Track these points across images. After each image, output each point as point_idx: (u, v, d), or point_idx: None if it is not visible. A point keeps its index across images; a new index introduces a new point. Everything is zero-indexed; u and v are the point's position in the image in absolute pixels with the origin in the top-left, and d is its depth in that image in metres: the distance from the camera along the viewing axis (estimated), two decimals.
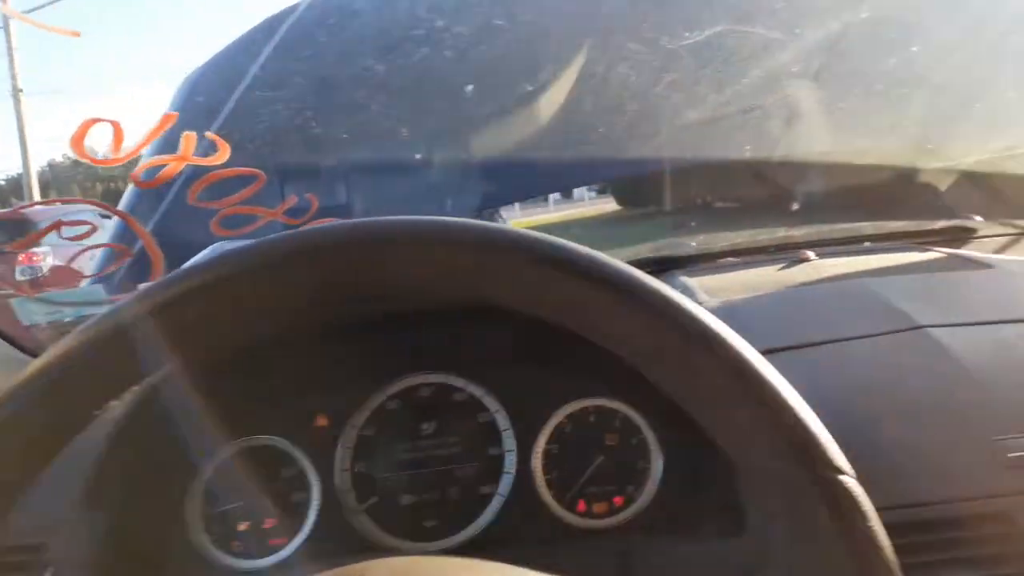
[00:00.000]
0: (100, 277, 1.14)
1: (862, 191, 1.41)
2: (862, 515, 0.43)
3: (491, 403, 0.79)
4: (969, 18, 1.40)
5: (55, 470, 0.48)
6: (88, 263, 1.18)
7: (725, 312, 0.87)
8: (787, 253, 1.09)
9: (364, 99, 1.37)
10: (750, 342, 0.77)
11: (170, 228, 1.16)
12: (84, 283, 1.11)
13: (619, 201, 1.89)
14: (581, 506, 0.77)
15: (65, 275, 1.13)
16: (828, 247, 1.11)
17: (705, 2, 1.42)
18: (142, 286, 0.51)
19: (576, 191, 2.36)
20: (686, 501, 0.75)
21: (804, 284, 0.96)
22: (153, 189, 1.14)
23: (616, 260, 0.48)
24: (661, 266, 1.11)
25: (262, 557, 0.75)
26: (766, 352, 0.75)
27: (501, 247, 0.48)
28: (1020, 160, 1.27)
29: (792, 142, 1.36)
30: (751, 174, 1.50)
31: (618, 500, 0.77)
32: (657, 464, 0.77)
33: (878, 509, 0.60)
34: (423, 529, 0.76)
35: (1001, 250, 1.13)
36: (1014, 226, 1.19)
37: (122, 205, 1.32)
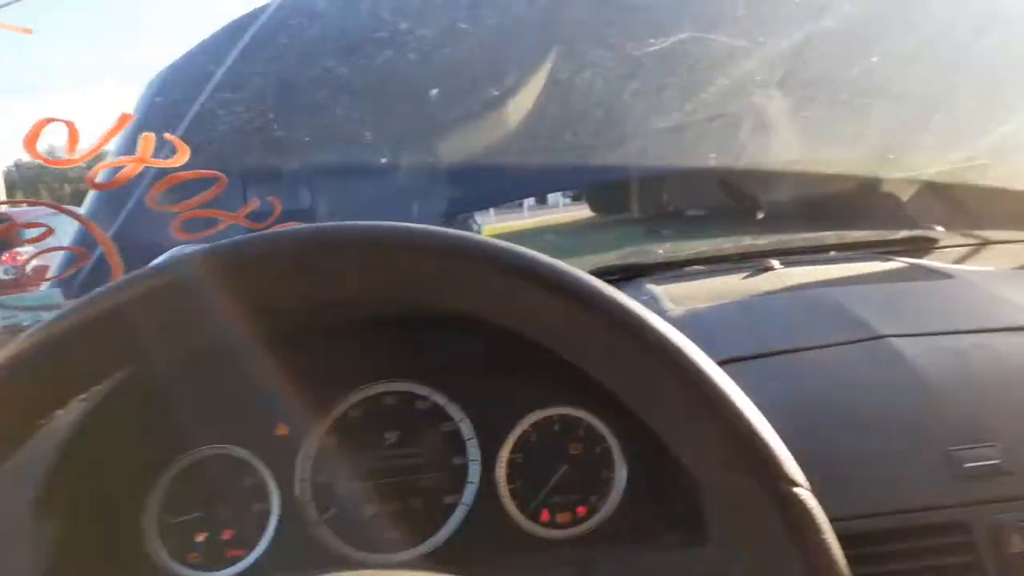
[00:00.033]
0: (60, 280, 1.12)
1: (826, 201, 1.43)
2: (816, 528, 0.44)
3: (455, 412, 0.79)
4: (929, 31, 1.43)
5: (0, 481, 0.47)
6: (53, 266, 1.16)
7: (689, 320, 0.88)
8: (752, 262, 1.11)
9: (327, 101, 1.36)
10: (713, 351, 0.78)
11: (133, 231, 1.15)
12: (43, 286, 1.09)
13: (592, 208, 1.91)
14: (545, 516, 0.77)
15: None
16: (792, 256, 1.13)
17: (669, 10, 1.43)
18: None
19: (551, 197, 2.37)
20: (650, 511, 0.76)
21: (767, 293, 0.98)
22: (118, 192, 1.12)
23: (577, 270, 0.48)
24: (627, 274, 1.12)
25: (220, 569, 0.74)
26: (728, 361, 0.77)
27: (462, 255, 0.48)
28: (979, 171, 1.30)
29: (757, 151, 1.38)
30: (718, 182, 1.52)
31: (582, 510, 0.77)
32: (621, 473, 0.77)
33: (834, 519, 0.61)
34: (385, 540, 0.75)
35: (961, 260, 1.15)
36: (974, 236, 1.22)
37: (85, 207, 1.31)
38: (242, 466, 0.77)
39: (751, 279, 1.05)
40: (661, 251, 1.22)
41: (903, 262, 1.06)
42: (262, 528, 0.75)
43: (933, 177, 1.34)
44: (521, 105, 1.33)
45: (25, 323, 0.95)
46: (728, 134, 1.34)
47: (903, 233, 1.21)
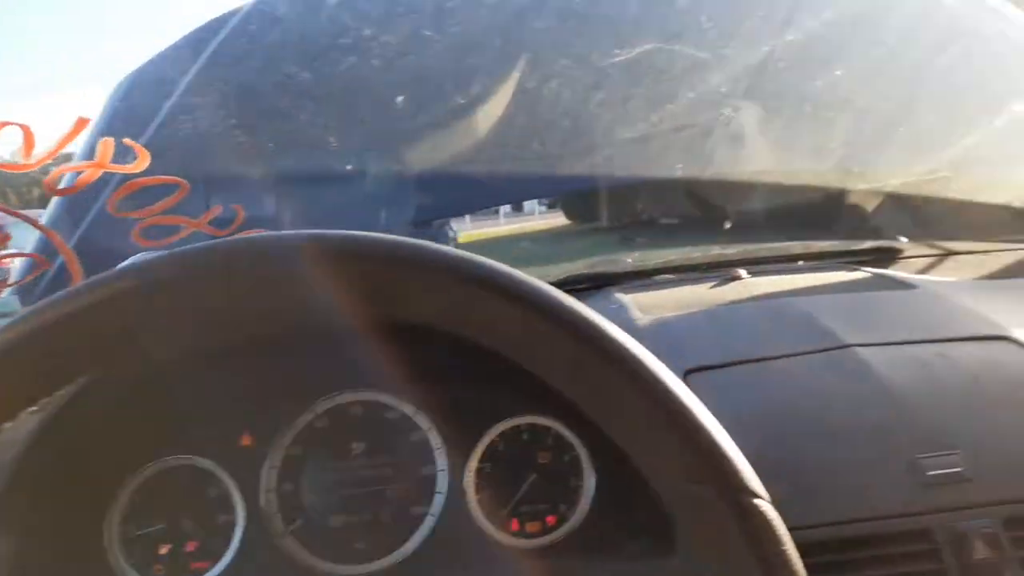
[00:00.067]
0: (19, 287, 1.10)
1: (793, 211, 1.46)
2: (776, 538, 0.45)
3: (423, 421, 0.79)
4: (891, 46, 1.47)
5: None
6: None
7: (657, 329, 0.90)
8: (720, 271, 1.13)
9: (292, 108, 1.36)
10: (680, 360, 0.80)
11: (96, 238, 1.14)
12: (3, 292, 1.07)
13: (568, 215, 1.92)
14: (514, 525, 0.77)
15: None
16: (759, 265, 1.15)
17: (633, 21, 1.46)
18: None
19: (526, 204, 2.38)
20: (619, 519, 0.76)
21: (734, 302, 0.99)
22: (81, 198, 1.11)
23: (536, 280, 0.49)
24: (597, 283, 1.13)
25: None
26: (695, 370, 0.78)
27: (421, 264, 0.48)
28: (941, 183, 1.33)
29: (726, 161, 1.40)
30: (688, 192, 1.54)
31: (551, 519, 0.77)
32: (590, 482, 0.78)
33: (800, 527, 0.62)
34: (353, 551, 0.75)
35: (925, 270, 1.18)
36: (938, 247, 1.25)
37: (48, 213, 1.29)
38: (206, 477, 0.76)
39: (719, 288, 1.06)
40: (630, 260, 1.24)
41: (868, 272, 1.09)
42: (227, 540, 0.74)
43: (897, 188, 1.37)
44: (487, 114, 1.34)
45: None
46: (695, 145, 1.36)
47: (868, 243, 1.23)
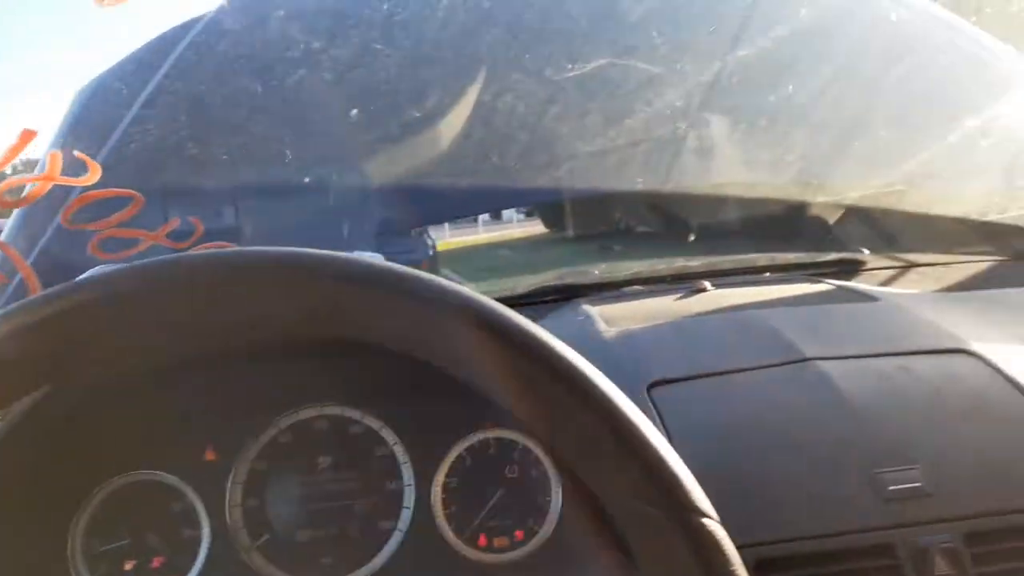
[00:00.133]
0: None
1: (760, 223, 1.50)
2: (723, 558, 0.46)
3: (389, 436, 0.80)
4: (846, 59, 1.52)
5: None
6: None
7: (622, 341, 0.92)
8: (686, 283, 1.15)
9: (246, 121, 1.37)
10: (644, 372, 0.81)
11: (56, 252, 1.13)
12: None
13: (546, 224, 1.95)
14: (482, 540, 0.79)
15: None
16: (725, 277, 1.18)
17: (585, 36, 1.49)
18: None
19: (505, 213, 2.41)
20: (586, 535, 0.78)
21: (700, 314, 1.01)
22: (42, 211, 1.11)
23: (487, 298, 0.50)
24: (565, 294, 1.15)
25: None
26: (659, 383, 0.80)
27: (362, 283, 0.48)
28: (903, 195, 1.38)
29: (691, 174, 1.44)
30: (653, 205, 1.57)
31: (519, 534, 0.79)
32: (557, 497, 0.80)
33: (760, 543, 0.64)
34: (320, 566, 0.76)
35: (888, 282, 1.22)
36: (900, 259, 1.29)
37: (8, 227, 1.29)
38: (171, 492, 0.77)
39: (684, 300, 1.09)
40: (597, 272, 1.26)
41: (832, 284, 1.12)
42: (193, 555, 0.75)
43: (860, 201, 1.41)
44: (443, 127, 1.37)
45: None
46: (655, 158, 1.39)
47: (832, 255, 1.27)
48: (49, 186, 0.88)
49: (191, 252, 0.51)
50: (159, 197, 1.24)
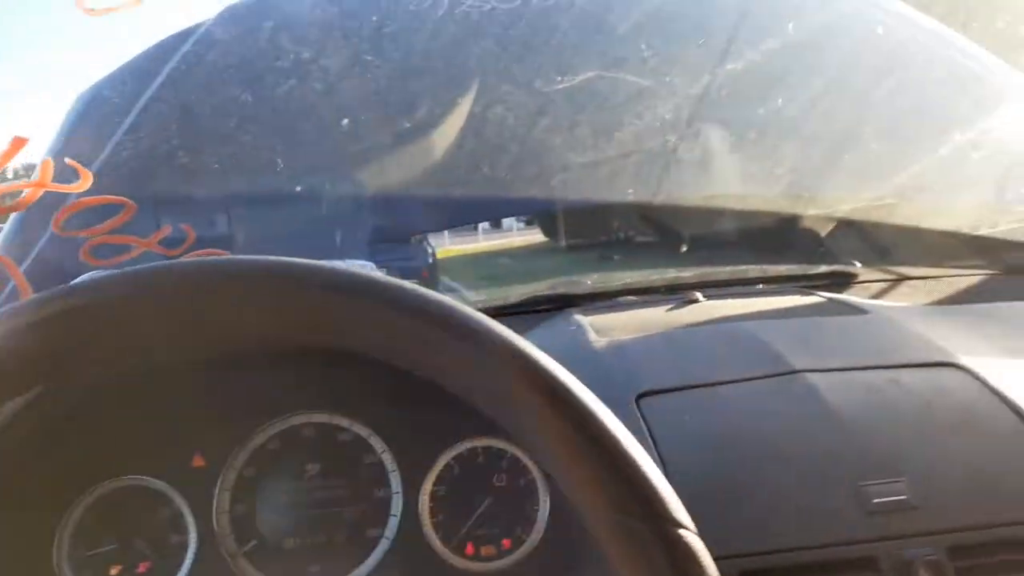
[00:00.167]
0: None
1: (753, 235, 1.51)
2: (700, 570, 0.46)
3: (377, 443, 0.81)
4: (833, 74, 1.53)
5: None
6: None
7: (612, 352, 0.93)
8: (678, 294, 1.16)
9: (236, 129, 1.39)
10: (633, 382, 0.82)
11: (50, 259, 1.15)
12: None
13: (545, 233, 1.96)
14: (469, 549, 0.79)
15: None
16: (716, 289, 1.18)
17: (574, 49, 1.50)
18: None
19: (505, 221, 2.43)
20: (574, 544, 0.78)
21: (690, 325, 1.02)
22: (38, 217, 1.12)
23: (466, 307, 0.50)
24: (558, 304, 1.16)
25: None
26: (648, 393, 0.81)
27: (344, 292, 0.49)
28: (895, 209, 1.39)
29: (681, 186, 1.45)
30: (646, 216, 1.59)
31: (506, 542, 0.80)
32: (545, 506, 0.80)
33: (745, 554, 0.64)
34: (306, 573, 0.77)
35: (880, 295, 1.22)
36: (892, 272, 1.30)
37: (4, 233, 1.30)
38: (158, 497, 0.77)
39: (676, 311, 1.09)
40: (590, 282, 1.27)
41: (822, 296, 1.12)
42: (179, 561, 0.76)
43: (852, 214, 1.42)
44: (432, 137, 1.38)
45: None
46: (648, 170, 1.41)
47: (824, 268, 1.28)
48: (40, 192, 0.89)
49: (181, 259, 0.52)
50: (154, 205, 1.26)
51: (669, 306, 1.11)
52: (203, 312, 0.49)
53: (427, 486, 0.80)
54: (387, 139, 1.38)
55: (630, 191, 1.38)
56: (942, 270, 1.29)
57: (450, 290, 1.75)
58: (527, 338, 0.98)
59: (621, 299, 1.18)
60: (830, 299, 1.11)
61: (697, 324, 1.03)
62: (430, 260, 1.98)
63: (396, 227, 1.44)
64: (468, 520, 0.80)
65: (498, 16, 1.50)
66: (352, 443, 0.81)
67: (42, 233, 1.17)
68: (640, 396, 0.82)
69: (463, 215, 1.53)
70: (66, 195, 0.92)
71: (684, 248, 1.44)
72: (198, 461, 0.79)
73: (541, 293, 1.20)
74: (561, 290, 1.22)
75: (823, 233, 1.51)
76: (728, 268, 1.28)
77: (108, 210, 0.94)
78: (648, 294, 1.20)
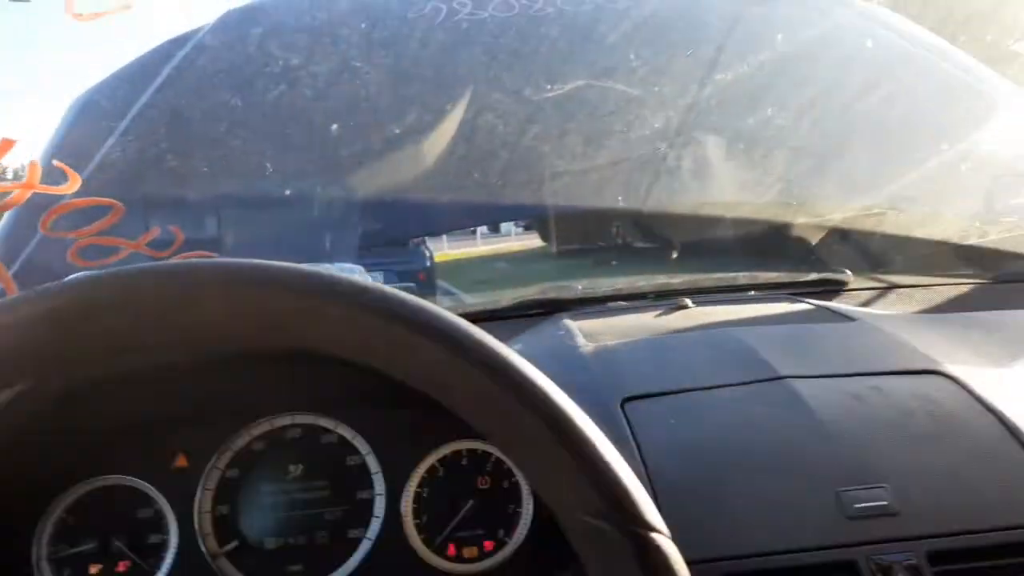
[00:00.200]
0: None
1: (744, 242, 1.51)
2: (672, 573, 0.46)
3: (361, 445, 0.81)
4: (824, 84, 1.54)
5: None
6: None
7: (599, 356, 0.93)
8: (667, 300, 1.16)
9: (228, 134, 1.39)
10: (619, 387, 0.82)
11: (40, 260, 1.15)
12: None
13: (542, 238, 1.97)
14: (451, 550, 0.80)
15: None
16: (706, 295, 1.18)
17: (563, 58, 1.51)
18: None
19: (503, 226, 2.44)
20: (557, 546, 0.78)
21: (678, 331, 1.02)
22: (28, 218, 1.12)
23: (441, 309, 0.50)
24: (548, 308, 1.16)
25: None
26: (632, 398, 0.81)
27: (319, 295, 0.49)
28: (881, 218, 1.39)
29: (673, 194, 1.45)
30: (638, 222, 1.59)
31: (489, 544, 0.80)
32: (528, 508, 0.80)
33: (724, 558, 0.64)
34: (288, 574, 0.77)
35: (869, 303, 1.23)
36: (882, 280, 1.30)
37: None
38: (140, 497, 0.78)
39: (664, 317, 1.09)
40: (580, 287, 1.27)
41: (811, 304, 1.12)
42: (159, 561, 0.75)
43: (841, 223, 1.43)
44: (422, 143, 1.40)
45: None
46: (638, 178, 1.41)
47: (813, 275, 1.28)
48: (28, 194, 0.90)
49: (156, 262, 0.52)
50: (146, 208, 1.26)
51: (658, 312, 1.11)
52: (171, 315, 0.49)
53: (410, 488, 0.80)
54: (377, 144, 1.39)
55: (620, 198, 1.38)
56: (932, 279, 1.30)
57: (446, 293, 1.76)
58: (515, 342, 0.99)
59: (611, 304, 1.19)
60: (818, 306, 1.11)
61: (685, 330, 1.03)
62: (428, 264, 1.98)
63: (385, 231, 1.45)
64: (451, 522, 0.80)
65: (488, 25, 1.51)
66: (336, 445, 0.82)
67: (33, 235, 1.18)
68: (625, 401, 0.82)
69: (453, 220, 1.54)
70: (57, 198, 0.92)
71: (675, 254, 1.45)
72: (181, 461, 0.79)
73: (531, 298, 1.21)
74: (551, 295, 1.22)
75: (813, 241, 1.52)
76: (718, 275, 1.29)
77: (99, 212, 0.94)
78: (638, 300, 1.20)
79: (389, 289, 0.50)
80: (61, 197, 0.91)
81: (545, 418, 0.48)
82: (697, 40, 1.58)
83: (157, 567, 0.76)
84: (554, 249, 1.67)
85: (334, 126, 1.38)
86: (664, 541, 0.47)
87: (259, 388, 0.81)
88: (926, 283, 1.29)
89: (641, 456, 0.74)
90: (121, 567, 0.76)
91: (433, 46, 1.50)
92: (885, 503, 0.69)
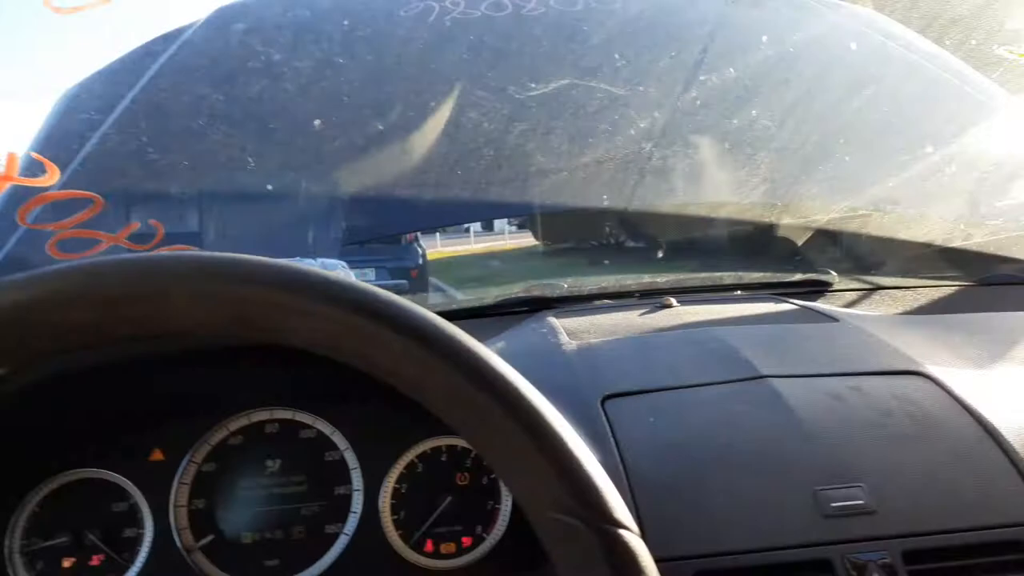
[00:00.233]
0: None
1: (730, 242, 1.51)
2: (640, 570, 0.46)
3: (340, 441, 0.81)
4: (809, 86, 1.54)
5: None
6: None
7: (581, 354, 0.93)
8: (652, 299, 1.16)
9: (207, 129, 1.39)
10: (599, 384, 0.82)
11: (19, 254, 1.15)
12: None
13: (536, 236, 1.96)
14: (429, 546, 0.80)
15: None
16: (690, 294, 1.18)
17: (547, 56, 1.51)
18: None
19: (497, 224, 2.44)
20: (534, 543, 0.78)
21: (662, 329, 1.02)
22: (8, 215, 1.12)
23: (409, 302, 0.50)
24: (533, 306, 1.16)
25: None
26: (612, 396, 0.81)
27: (286, 287, 0.48)
28: (866, 220, 1.39)
29: (660, 194, 1.45)
30: (625, 221, 1.59)
31: (467, 540, 0.80)
32: (506, 504, 0.80)
33: (700, 555, 0.64)
34: (264, 568, 0.77)
35: (852, 304, 1.23)
36: (866, 282, 1.30)
37: None
38: (114, 490, 0.77)
39: (649, 315, 1.09)
40: (565, 285, 1.27)
41: (795, 304, 1.13)
42: (133, 555, 0.75)
43: (827, 224, 1.43)
44: (405, 140, 1.39)
45: None
46: (623, 177, 1.41)
47: (799, 276, 1.28)
48: (6, 187, 0.90)
49: (130, 254, 0.51)
50: (132, 202, 1.26)
51: (642, 310, 1.11)
52: (137, 307, 0.48)
53: (388, 484, 0.80)
54: (361, 141, 1.38)
55: (606, 198, 1.38)
56: (916, 280, 1.30)
57: (438, 290, 1.76)
58: (499, 339, 0.99)
59: (596, 302, 1.19)
60: (802, 307, 1.11)
61: (668, 328, 1.03)
62: (420, 261, 1.98)
63: (370, 228, 1.45)
64: (429, 518, 0.80)
65: (472, 22, 1.51)
66: (315, 440, 0.81)
67: (15, 228, 1.17)
68: (606, 398, 0.82)
69: (437, 217, 1.54)
70: (39, 189, 0.92)
71: (660, 254, 1.45)
72: (156, 455, 0.79)
73: (516, 295, 1.21)
74: (536, 293, 1.22)
75: (799, 242, 1.52)
76: (703, 274, 1.29)
77: (82, 206, 0.94)
78: (623, 298, 1.20)
79: (356, 282, 0.49)
80: (42, 189, 0.91)
81: (513, 412, 0.47)
82: (683, 40, 1.58)
83: (131, 561, 0.75)
84: (543, 247, 1.67)
85: (317, 121, 1.37)
86: (632, 538, 0.47)
87: (237, 382, 0.81)
88: (910, 285, 1.29)
89: (620, 454, 0.74)
90: (95, 560, 0.75)
91: (417, 43, 1.49)
92: (862, 502, 0.69)
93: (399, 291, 0.61)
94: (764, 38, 1.53)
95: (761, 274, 1.29)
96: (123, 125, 1.35)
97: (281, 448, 0.81)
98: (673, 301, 1.13)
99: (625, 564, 0.46)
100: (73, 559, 0.75)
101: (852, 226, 1.42)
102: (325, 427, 0.81)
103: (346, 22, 1.52)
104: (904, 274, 1.34)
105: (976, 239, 1.34)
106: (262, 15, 1.60)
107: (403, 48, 1.49)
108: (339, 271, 1.07)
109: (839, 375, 0.85)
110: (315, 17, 1.57)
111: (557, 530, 0.47)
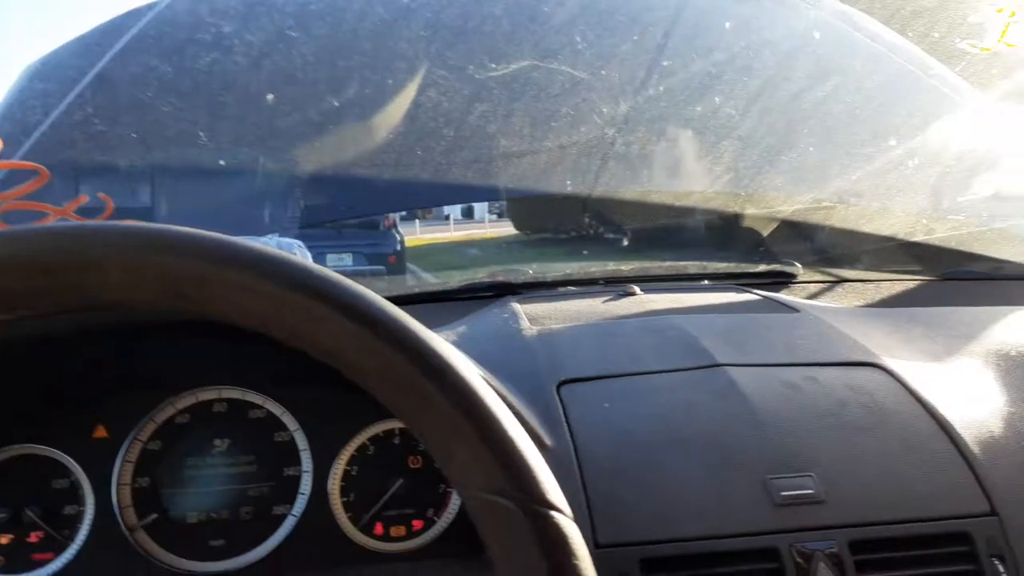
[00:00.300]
0: None
1: (696, 232, 1.51)
2: (570, 553, 0.45)
3: (290, 421, 0.80)
4: (771, 76, 1.54)
5: None
6: None
7: (541, 340, 0.92)
8: (616, 286, 1.16)
9: (154, 101, 1.36)
10: (556, 370, 0.81)
11: None
12: None
13: (515, 225, 1.96)
14: (379, 529, 0.79)
15: None
16: (654, 283, 1.18)
17: (507, 36, 1.50)
18: None
19: (476, 212, 2.43)
20: None
21: (624, 317, 1.02)
22: None
23: (345, 279, 0.48)
24: (498, 291, 1.15)
25: (24, 572, 0.73)
26: (567, 381, 0.80)
27: (225, 260, 0.46)
28: (829, 213, 1.40)
29: (624, 181, 1.44)
30: (588, 207, 1.58)
31: (417, 524, 0.79)
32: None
33: (646, 542, 0.64)
34: (209, 548, 0.76)
35: (815, 296, 1.24)
36: (830, 274, 1.31)
37: None
38: (55, 467, 0.76)
39: (612, 303, 1.09)
40: (531, 271, 1.26)
41: (757, 295, 1.13)
42: (74, 532, 0.73)
43: (792, 216, 1.43)
44: (361, 118, 1.38)
45: None
46: (586, 163, 1.40)
47: (763, 267, 1.28)
48: None
49: (63, 223, 0.49)
50: (83, 175, 1.23)
51: (606, 298, 1.11)
52: (69, 276, 0.46)
53: (338, 466, 0.79)
54: (315, 117, 1.36)
55: (569, 183, 1.38)
56: (879, 274, 1.31)
57: (415, 277, 1.74)
58: (460, 323, 0.98)
59: (560, 289, 1.18)
60: (764, 297, 1.12)
61: (629, 316, 1.02)
62: (398, 248, 1.97)
63: (327, 208, 1.43)
64: (379, 500, 0.78)
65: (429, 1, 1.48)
66: (264, 420, 0.80)
67: None
68: (562, 383, 0.81)
69: (399, 200, 1.52)
70: None
71: (626, 242, 1.44)
72: (100, 432, 0.77)
73: (480, 280, 1.20)
74: (500, 278, 1.22)
75: (764, 233, 1.53)
76: (668, 263, 1.28)
77: (28, 177, 0.91)
78: (587, 285, 1.20)
79: (293, 258, 0.48)
80: None
81: (444, 389, 0.46)
82: (646, 25, 1.57)
83: (71, 538, 0.74)
84: (524, 236, 1.66)
85: (270, 96, 1.35)
86: (564, 520, 0.46)
87: (185, 360, 0.79)
88: (873, 278, 1.30)
89: (573, 439, 0.73)
90: (33, 538, 0.74)
91: (372, 19, 1.47)
92: (811, 491, 0.69)
93: (376, 276, 0.59)
94: (728, 25, 1.53)
95: (726, 264, 1.30)
96: (77, 100, 1.32)
97: (229, 427, 0.80)
98: (637, 289, 1.13)
99: (556, 546, 0.45)
100: (11, 536, 0.74)
101: (816, 218, 1.43)
102: (275, 407, 0.80)
103: None
104: (867, 267, 1.35)
105: (938, 234, 1.35)
106: None
107: (358, 23, 1.47)
108: (294, 251, 1.05)
109: (795, 365, 0.85)
110: None
111: (489, 511, 0.46)
